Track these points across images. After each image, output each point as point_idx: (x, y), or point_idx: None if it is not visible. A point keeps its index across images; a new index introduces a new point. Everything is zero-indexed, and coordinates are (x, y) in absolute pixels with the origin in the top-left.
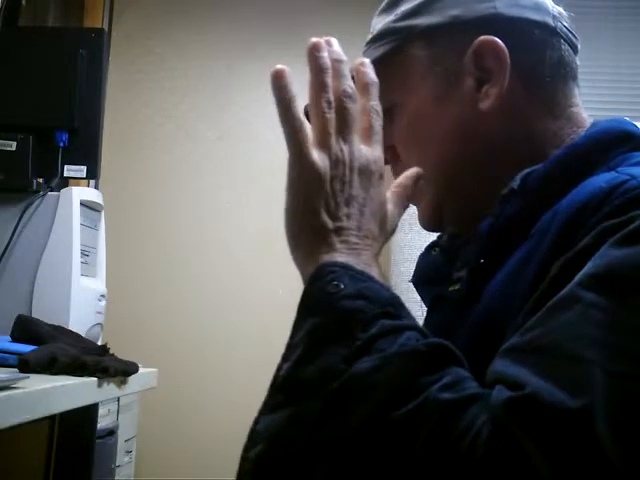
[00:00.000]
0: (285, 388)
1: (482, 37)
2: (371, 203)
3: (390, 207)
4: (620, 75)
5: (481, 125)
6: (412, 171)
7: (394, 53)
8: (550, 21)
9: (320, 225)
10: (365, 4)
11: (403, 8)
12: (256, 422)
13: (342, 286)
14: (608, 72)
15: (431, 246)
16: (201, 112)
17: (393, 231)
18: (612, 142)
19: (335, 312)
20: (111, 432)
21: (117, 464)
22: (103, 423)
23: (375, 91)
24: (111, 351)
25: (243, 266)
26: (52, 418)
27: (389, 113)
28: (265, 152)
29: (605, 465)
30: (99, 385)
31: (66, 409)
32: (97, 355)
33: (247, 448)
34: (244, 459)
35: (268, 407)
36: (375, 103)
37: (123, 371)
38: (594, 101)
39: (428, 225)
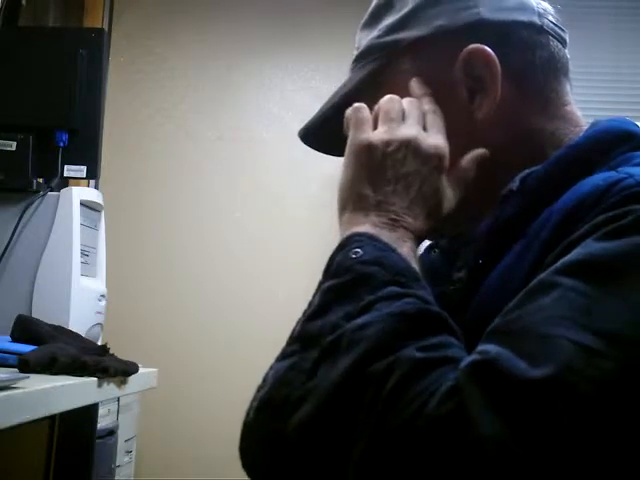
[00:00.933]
0: (295, 339)
1: (470, 46)
2: (422, 185)
3: (448, 191)
4: (620, 75)
5: (478, 133)
6: (475, 153)
7: (382, 70)
8: (536, 20)
9: (363, 196)
10: (365, 5)
11: (386, 22)
12: (270, 367)
13: (361, 253)
14: (608, 72)
15: (431, 247)
16: (201, 112)
17: (449, 216)
18: (613, 142)
19: (348, 274)
20: (111, 432)
21: (117, 464)
22: (103, 423)
23: (429, 99)
24: (111, 351)
25: (243, 266)
26: (52, 418)
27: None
28: (265, 152)
29: (558, 438)
30: (99, 385)
31: (66, 409)
32: (97, 355)
33: (258, 389)
34: (254, 399)
35: (281, 355)
36: (431, 107)
37: (123, 371)
38: (594, 101)
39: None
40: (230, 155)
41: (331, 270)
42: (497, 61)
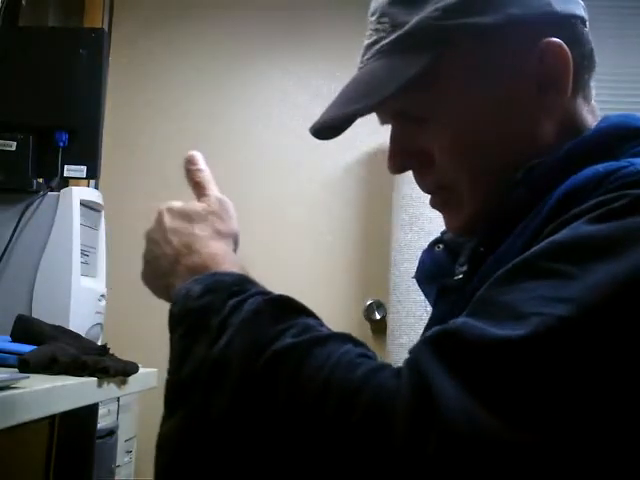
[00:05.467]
0: (170, 395)
1: (548, 41)
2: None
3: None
4: (620, 75)
5: (537, 128)
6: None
7: (442, 56)
8: (584, 13)
9: (163, 262)
10: (367, 4)
11: (443, 2)
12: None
13: (191, 292)
14: (608, 72)
15: (435, 242)
16: (201, 112)
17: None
18: (621, 137)
19: (189, 316)
20: (111, 432)
21: (117, 464)
22: (103, 423)
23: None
24: (111, 351)
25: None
26: (52, 418)
27: (424, 117)
28: (265, 152)
29: (539, 406)
30: (99, 385)
31: (66, 409)
32: (97, 355)
33: (155, 459)
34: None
35: (163, 420)
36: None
37: (123, 371)
38: (595, 101)
39: (465, 229)
40: (230, 155)
41: (173, 323)
42: (571, 59)
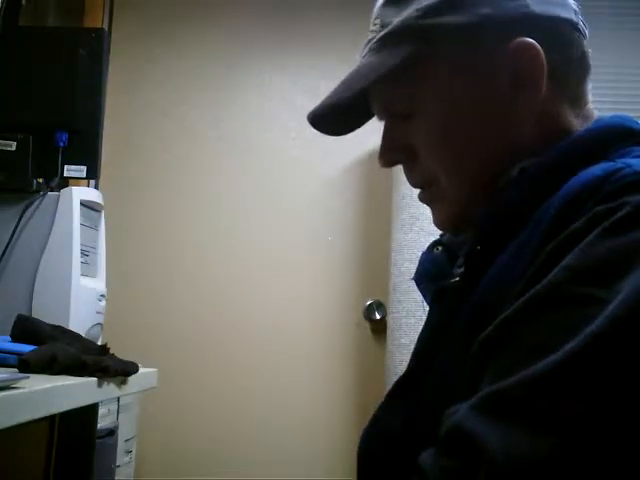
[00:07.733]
0: None
1: (521, 40)
2: None
3: None
4: (621, 75)
5: (513, 127)
6: None
7: (420, 53)
8: (574, 17)
9: None
10: (366, 4)
11: (425, 2)
12: None
13: None
14: (609, 72)
15: (434, 244)
16: (201, 112)
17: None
18: (613, 137)
19: None
20: (111, 432)
21: (117, 464)
22: (103, 423)
23: None
24: (111, 351)
25: (243, 266)
26: (52, 418)
27: (407, 113)
28: (265, 152)
29: None
30: (99, 385)
31: (66, 409)
32: (97, 355)
33: None
34: None
35: None
36: None
37: (123, 371)
38: (594, 101)
39: (448, 225)
40: (230, 155)
41: None
42: (544, 60)
